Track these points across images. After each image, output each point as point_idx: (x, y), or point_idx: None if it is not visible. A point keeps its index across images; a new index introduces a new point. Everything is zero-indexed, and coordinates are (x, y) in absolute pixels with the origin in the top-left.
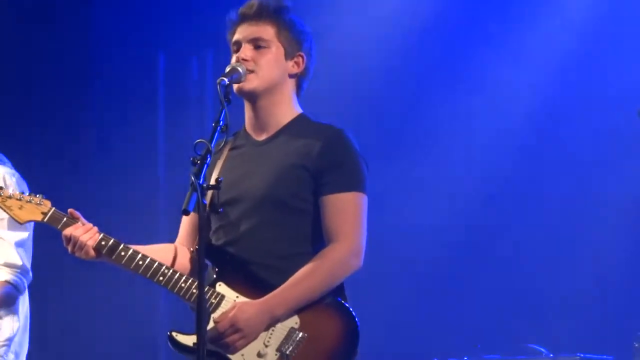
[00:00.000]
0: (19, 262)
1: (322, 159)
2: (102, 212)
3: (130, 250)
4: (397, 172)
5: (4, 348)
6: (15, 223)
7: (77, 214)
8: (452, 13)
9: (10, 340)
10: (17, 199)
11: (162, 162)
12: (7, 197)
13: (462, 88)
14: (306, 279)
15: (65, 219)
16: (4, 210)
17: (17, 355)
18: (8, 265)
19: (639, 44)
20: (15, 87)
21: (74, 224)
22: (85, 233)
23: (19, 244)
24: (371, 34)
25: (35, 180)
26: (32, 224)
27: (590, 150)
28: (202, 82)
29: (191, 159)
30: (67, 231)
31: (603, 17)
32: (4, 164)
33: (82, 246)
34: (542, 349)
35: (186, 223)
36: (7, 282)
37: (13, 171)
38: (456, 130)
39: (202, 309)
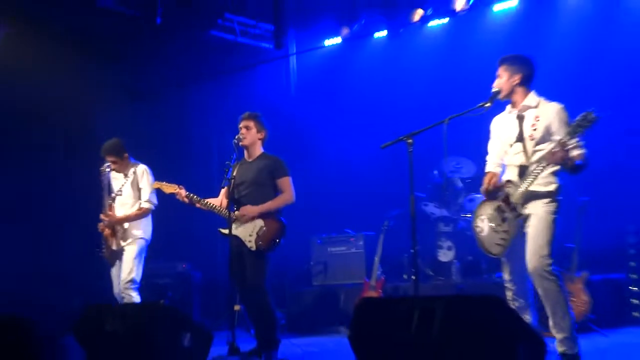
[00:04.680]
0: (154, 199)
1: (272, 165)
2: (190, 187)
3: (205, 200)
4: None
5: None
6: (150, 176)
7: (182, 187)
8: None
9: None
10: (165, 184)
11: (215, 165)
12: (161, 184)
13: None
14: (271, 204)
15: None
16: (159, 188)
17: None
18: (151, 200)
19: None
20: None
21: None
22: (182, 192)
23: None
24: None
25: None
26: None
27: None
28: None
29: (225, 166)
30: (175, 190)
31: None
32: (138, 161)
33: (181, 197)
34: (351, 231)
35: (223, 192)
36: (149, 209)
37: (146, 166)
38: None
39: (230, 224)
